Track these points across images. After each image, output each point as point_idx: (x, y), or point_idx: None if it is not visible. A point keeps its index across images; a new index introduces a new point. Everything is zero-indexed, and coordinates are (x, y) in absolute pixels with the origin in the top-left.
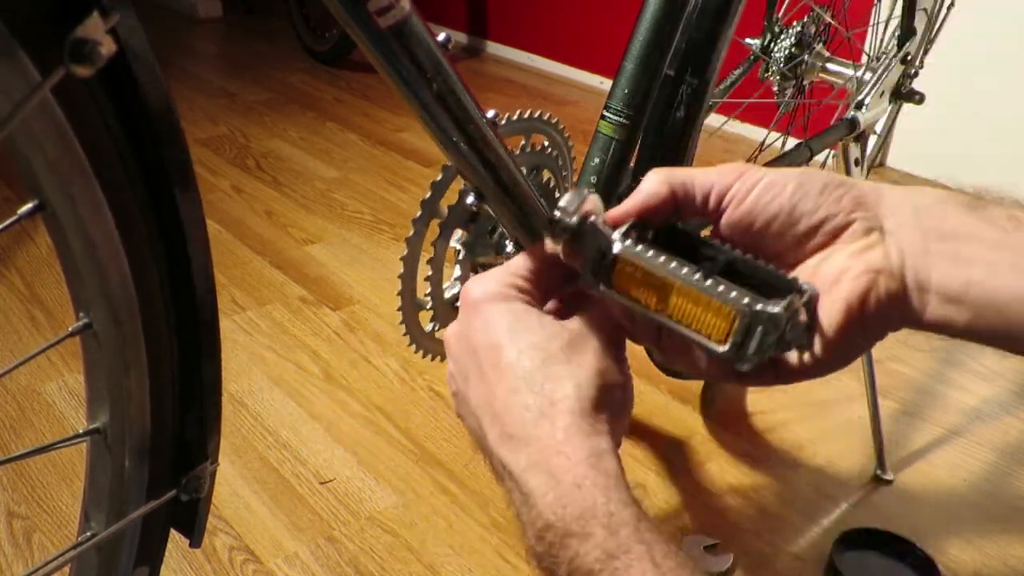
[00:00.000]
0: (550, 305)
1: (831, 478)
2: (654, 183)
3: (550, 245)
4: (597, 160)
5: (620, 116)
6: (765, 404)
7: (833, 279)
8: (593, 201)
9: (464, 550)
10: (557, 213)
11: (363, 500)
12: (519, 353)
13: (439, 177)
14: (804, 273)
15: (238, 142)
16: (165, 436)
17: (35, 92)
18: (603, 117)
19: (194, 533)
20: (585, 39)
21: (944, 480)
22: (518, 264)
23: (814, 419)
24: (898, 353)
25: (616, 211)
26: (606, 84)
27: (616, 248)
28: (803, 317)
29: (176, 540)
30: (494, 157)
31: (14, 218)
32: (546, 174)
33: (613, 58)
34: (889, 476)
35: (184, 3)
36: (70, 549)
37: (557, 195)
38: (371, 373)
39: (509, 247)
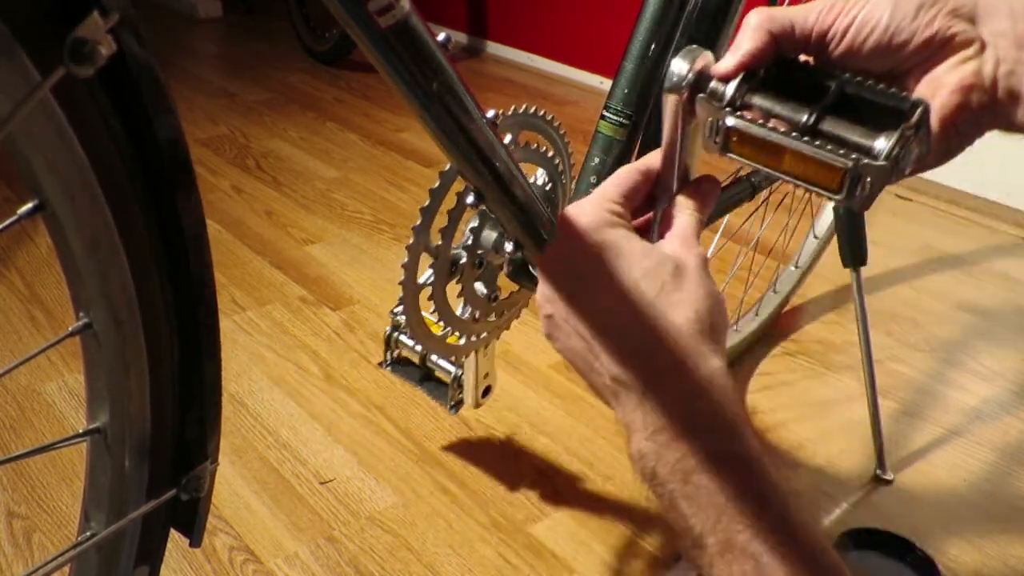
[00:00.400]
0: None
1: (831, 478)
2: (756, 32)
3: (669, 102)
4: (597, 160)
5: (620, 116)
6: (765, 404)
7: (930, 94)
8: (706, 57)
9: (464, 550)
10: (673, 69)
11: (363, 500)
12: (635, 281)
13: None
14: (909, 88)
15: (238, 142)
16: (165, 436)
17: (35, 92)
18: (603, 117)
19: (194, 533)
20: (585, 39)
21: (944, 480)
22: (612, 189)
23: (814, 419)
24: (898, 353)
25: (724, 66)
26: (606, 84)
27: (729, 122)
28: (915, 146)
29: (176, 540)
30: (494, 157)
31: (14, 218)
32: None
33: (613, 58)
34: (889, 476)
35: (184, 3)
36: (70, 549)
37: (555, 197)
38: (371, 373)
39: (509, 247)
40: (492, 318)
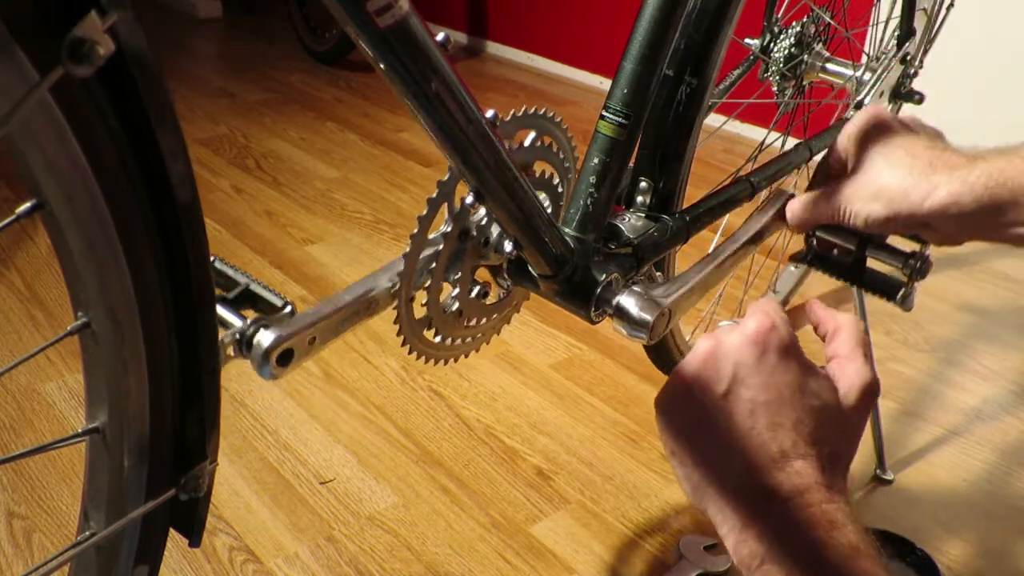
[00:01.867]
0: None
1: None
2: (801, 225)
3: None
4: (596, 160)
5: (619, 116)
6: None
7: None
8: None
9: (464, 550)
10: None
11: (363, 500)
12: (822, 411)
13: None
14: None
15: (238, 142)
16: (164, 435)
17: (33, 92)
18: (602, 117)
19: (194, 533)
20: (585, 39)
21: (944, 480)
22: (780, 312)
23: None
24: (898, 353)
25: (800, 227)
26: (606, 84)
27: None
28: (929, 261)
29: (176, 540)
30: (494, 157)
31: (13, 218)
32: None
33: (613, 58)
34: (889, 476)
35: (184, 3)
36: (70, 549)
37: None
38: (371, 373)
39: (508, 247)
40: (486, 320)
